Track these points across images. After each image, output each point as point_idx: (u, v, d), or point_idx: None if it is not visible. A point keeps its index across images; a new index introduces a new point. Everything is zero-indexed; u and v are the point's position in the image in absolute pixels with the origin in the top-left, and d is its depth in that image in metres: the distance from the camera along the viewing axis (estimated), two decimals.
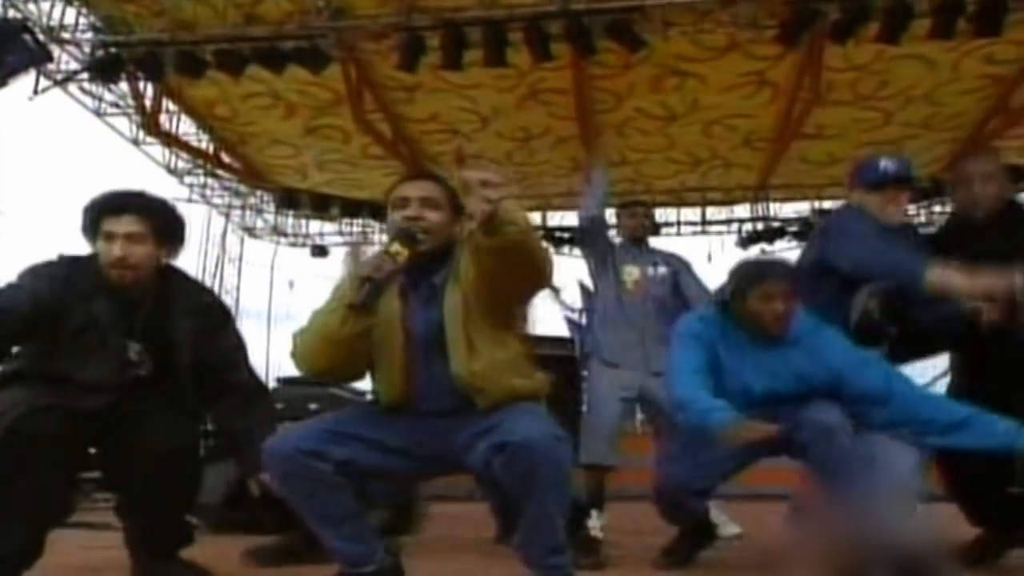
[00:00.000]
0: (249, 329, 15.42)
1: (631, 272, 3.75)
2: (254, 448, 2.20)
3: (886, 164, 2.74)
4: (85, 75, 6.98)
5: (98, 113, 7.72)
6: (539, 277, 1.99)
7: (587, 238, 3.84)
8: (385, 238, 2.07)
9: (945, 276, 2.33)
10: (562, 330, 9.35)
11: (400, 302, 2.07)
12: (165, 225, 2.46)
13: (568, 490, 1.90)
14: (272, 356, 12.70)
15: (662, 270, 3.79)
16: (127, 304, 2.40)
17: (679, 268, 3.85)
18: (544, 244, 1.96)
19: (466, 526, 3.81)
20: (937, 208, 9.89)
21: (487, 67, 6.39)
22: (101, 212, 2.39)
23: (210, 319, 2.53)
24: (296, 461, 1.96)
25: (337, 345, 1.99)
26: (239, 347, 2.62)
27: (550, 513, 1.88)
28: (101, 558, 2.57)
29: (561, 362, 6.65)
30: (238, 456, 2.44)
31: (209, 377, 2.48)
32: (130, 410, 2.33)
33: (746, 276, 2.59)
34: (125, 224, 2.36)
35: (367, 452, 2.03)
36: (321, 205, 9.88)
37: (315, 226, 11.06)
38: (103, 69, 6.70)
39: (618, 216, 4.10)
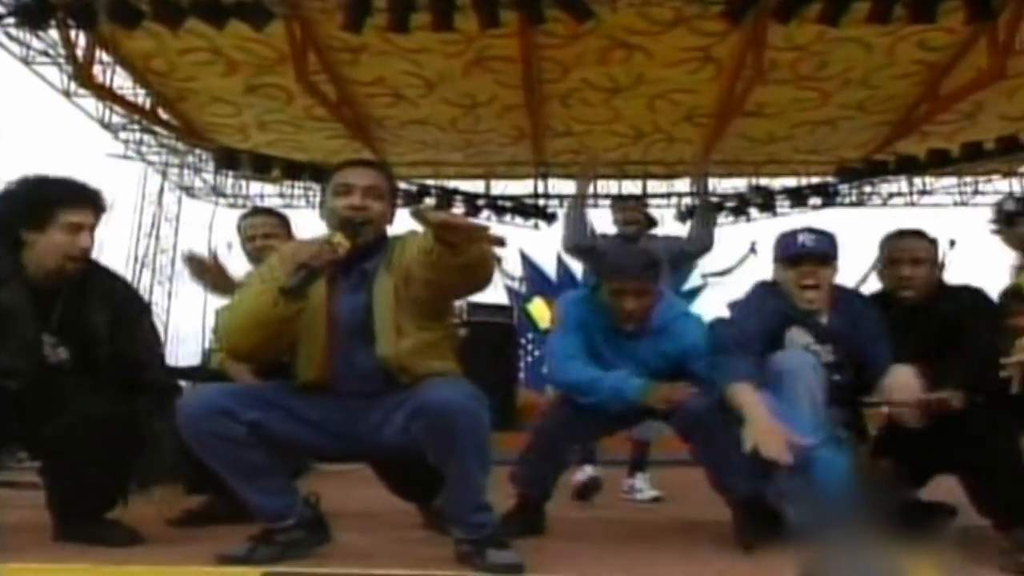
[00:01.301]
0: (186, 291, 15.10)
1: None
2: (159, 455, 2.20)
3: (804, 238, 2.52)
4: (11, 20, 6.68)
5: (26, 61, 7.39)
6: (484, 284, 2.07)
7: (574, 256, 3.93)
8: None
9: (741, 399, 2.24)
10: (501, 298, 9.44)
11: (326, 287, 2.09)
12: (104, 212, 2.42)
13: (488, 449, 1.95)
14: (208, 319, 12.47)
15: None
16: (43, 293, 2.34)
17: (672, 252, 3.81)
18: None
19: None
20: (867, 189, 10.21)
21: (434, 31, 6.33)
22: (61, 203, 2.31)
23: (126, 311, 2.46)
24: (209, 420, 1.97)
25: (266, 327, 2.00)
26: (155, 343, 2.58)
27: (472, 470, 1.93)
28: (25, 517, 2.53)
29: (499, 329, 6.93)
30: (143, 460, 2.37)
31: (124, 372, 2.42)
32: (51, 395, 2.29)
33: (602, 268, 2.64)
34: (90, 216, 2.33)
35: (281, 419, 2.05)
36: (262, 166, 9.66)
37: (255, 187, 10.85)
38: (31, 14, 6.41)
39: (611, 210, 4.13)
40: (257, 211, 3.75)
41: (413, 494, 2.59)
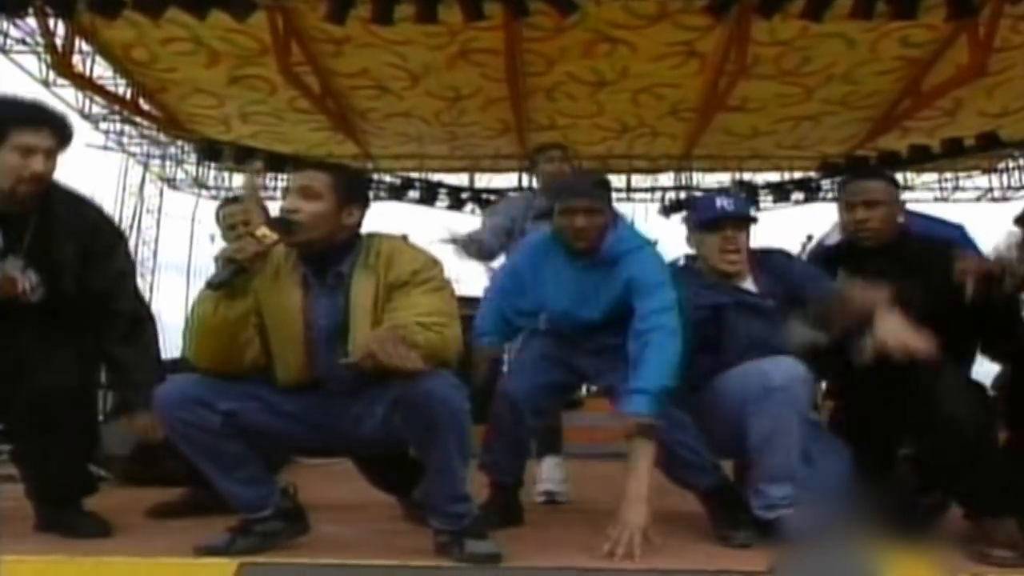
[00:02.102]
0: (168, 283, 15.00)
1: None
2: (134, 384, 2.17)
3: (723, 202, 2.51)
4: None
5: (3, 50, 7.30)
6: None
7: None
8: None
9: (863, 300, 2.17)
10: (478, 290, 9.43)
11: (300, 292, 2.08)
12: (67, 138, 2.35)
13: (469, 440, 1.96)
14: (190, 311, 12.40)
15: None
16: (11, 219, 2.29)
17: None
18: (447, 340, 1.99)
19: None
20: None
21: (418, 23, 6.30)
22: (13, 123, 2.25)
23: (97, 241, 2.38)
24: (183, 408, 1.96)
25: (213, 333, 1.99)
26: (125, 273, 2.50)
27: (452, 460, 1.94)
28: (8, 508, 2.51)
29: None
30: (118, 391, 2.34)
31: (92, 304, 2.36)
32: (18, 344, 2.24)
33: (554, 191, 2.65)
34: (46, 139, 2.26)
35: (257, 411, 2.05)
36: (244, 158, 9.61)
37: (238, 179, 10.77)
38: (8, 2, 6.34)
39: (534, 163, 3.81)
40: (236, 199, 3.72)
41: (392, 486, 2.59)
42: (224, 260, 1.94)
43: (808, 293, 2.37)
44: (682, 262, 2.68)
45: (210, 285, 1.94)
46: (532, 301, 2.65)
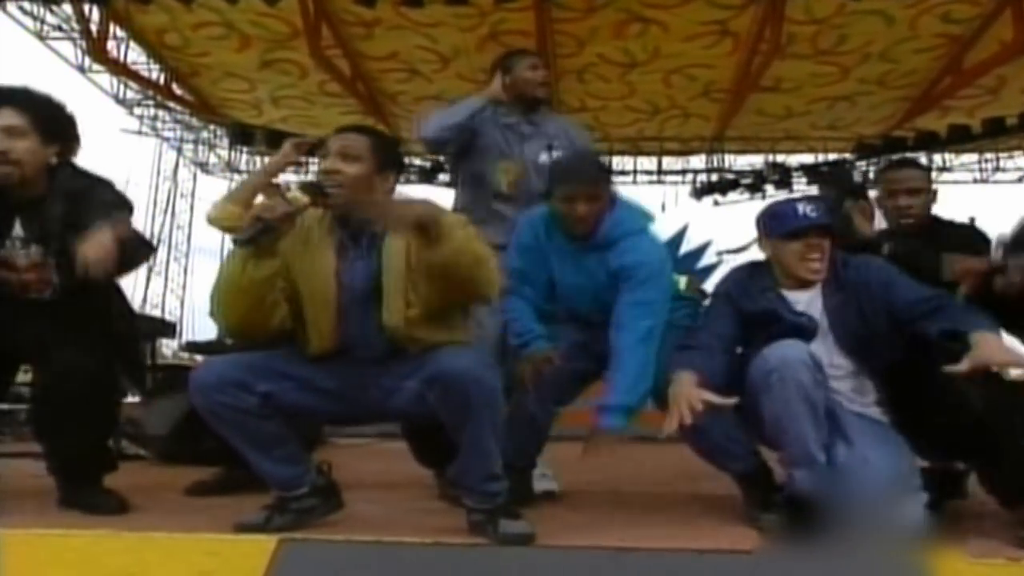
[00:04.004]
0: (201, 266, 15.22)
1: (507, 169, 3.05)
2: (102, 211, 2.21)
3: (805, 209, 2.37)
4: None
5: (40, 36, 7.41)
6: (479, 295, 2.03)
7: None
8: None
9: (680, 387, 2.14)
10: None
11: (334, 255, 2.08)
12: (49, 119, 2.36)
13: (500, 417, 1.96)
14: None
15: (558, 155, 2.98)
16: (17, 205, 2.32)
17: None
18: (485, 257, 1.97)
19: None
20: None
21: (448, 5, 6.29)
22: None
23: (82, 202, 2.33)
24: (222, 391, 1.98)
25: (241, 292, 1.99)
26: (113, 205, 2.38)
27: (485, 439, 1.94)
28: (46, 484, 2.57)
29: None
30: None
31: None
32: (38, 325, 2.28)
33: (553, 175, 2.57)
34: (4, 118, 2.28)
35: (292, 389, 2.06)
36: (276, 142, 9.65)
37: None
38: None
39: (508, 68, 3.16)
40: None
41: (434, 459, 2.59)
42: (252, 218, 1.95)
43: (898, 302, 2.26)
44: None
45: (236, 242, 1.96)
46: (546, 273, 2.61)
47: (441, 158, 10.01)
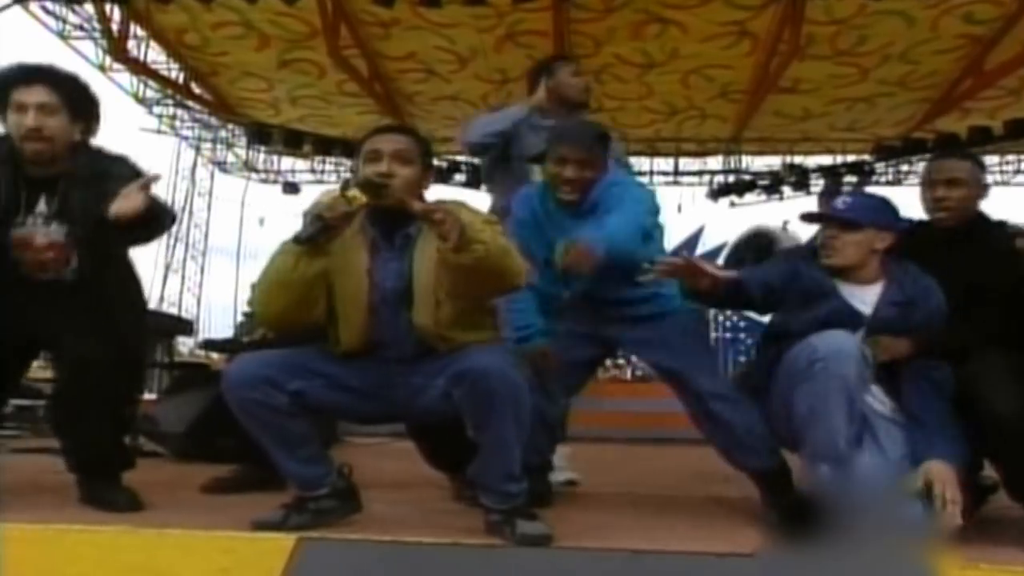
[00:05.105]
0: (218, 265, 15.32)
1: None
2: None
3: (840, 201, 2.36)
4: None
5: (62, 36, 7.48)
6: (505, 287, 2.05)
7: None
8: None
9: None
10: None
11: (368, 255, 2.08)
12: (78, 97, 2.37)
13: (526, 419, 1.95)
14: (239, 293, 12.67)
15: None
16: (45, 182, 2.33)
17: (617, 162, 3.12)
18: (510, 248, 2.00)
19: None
20: (905, 168, 10.02)
21: (466, 5, 6.31)
22: (10, 83, 2.30)
23: (105, 180, 2.30)
24: (253, 388, 1.98)
25: (289, 288, 2.00)
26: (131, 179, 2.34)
27: (508, 438, 1.93)
28: (65, 480, 2.59)
29: None
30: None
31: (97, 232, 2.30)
32: (57, 315, 2.29)
33: (549, 138, 2.54)
34: (37, 94, 2.29)
35: (322, 388, 2.06)
36: (293, 141, 9.73)
37: (287, 163, 10.92)
38: None
39: (551, 72, 3.21)
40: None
41: (446, 462, 2.60)
42: (313, 217, 1.95)
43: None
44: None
45: (297, 240, 1.96)
46: (546, 250, 2.56)
47: (465, 159, 10.08)
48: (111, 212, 2.15)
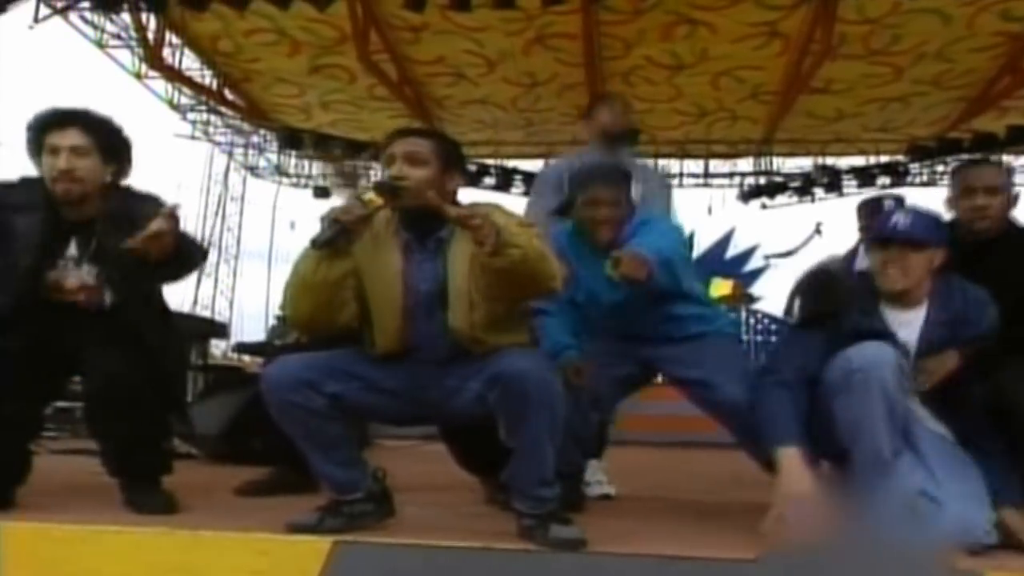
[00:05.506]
0: (250, 269, 15.51)
1: None
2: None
3: (898, 218, 2.22)
4: (86, 4, 6.89)
5: (100, 44, 7.62)
6: (542, 291, 2.06)
7: None
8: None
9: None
10: None
11: (401, 257, 2.10)
12: (110, 140, 2.43)
13: (560, 423, 1.95)
14: (271, 296, 12.80)
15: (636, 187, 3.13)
16: (78, 224, 2.38)
17: (656, 188, 3.30)
18: (547, 253, 2.00)
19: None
20: (940, 168, 9.85)
21: (495, 9, 6.31)
22: (45, 127, 2.36)
23: (136, 224, 2.27)
24: (292, 389, 2.00)
25: (313, 291, 2.02)
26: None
27: (542, 442, 1.93)
28: (103, 481, 2.63)
29: None
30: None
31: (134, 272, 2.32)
32: (85, 333, 2.32)
33: (574, 181, 2.55)
34: (70, 137, 2.34)
35: (360, 390, 2.08)
36: (324, 146, 9.82)
37: (318, 167, 11.01)
38: None
39: (589, 115, 3.44)
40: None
41: (478, 465, 2.60)
42: (329, 220, 1.98)
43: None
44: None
45: (314, 244, 1.98)
46: (584, 294, 2.58)
47: (494, 162, 10.10)
48: (126, 242, 2.18)
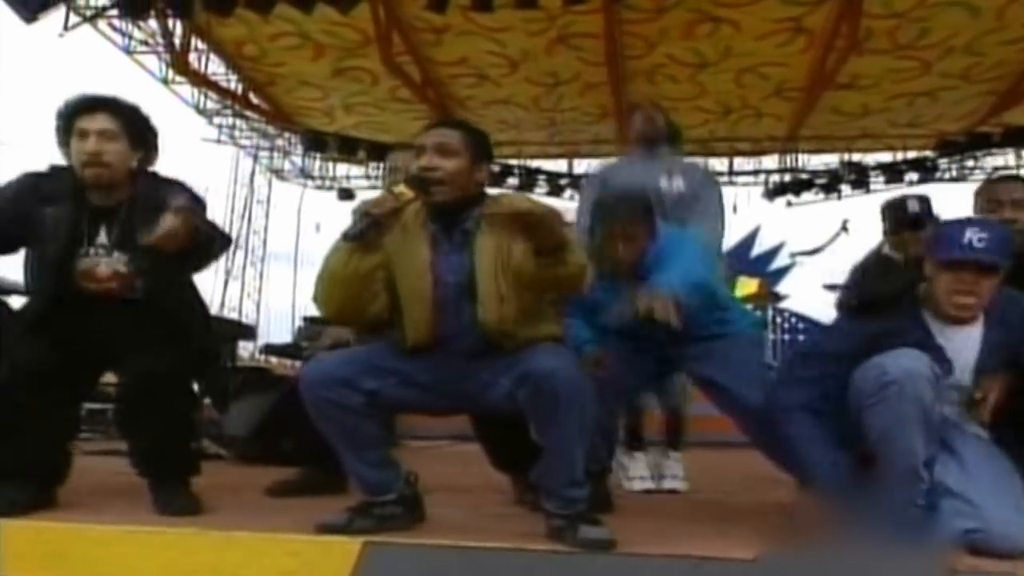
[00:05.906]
0: (276, 271, 15.62)
1: None
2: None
3: (972, 235, 1.98)
4: (114, 11, 6.99)
5: (127, 51, 7.73)
6: (573, 289, 2.09)
7: None
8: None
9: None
10: None
11: (429, 249, 2.10)
12: (137, 126, 2.45)
13: (590, 423, 1.94)
14: (298, 298, 12.89)
15: (679, 183, 3.27)
16: (104, 212, 2.40)
17: (701, 184, 3.36)
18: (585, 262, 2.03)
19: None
20: (970, 163, 9.71)
21: (517, 9, 6.31)
22: (74, 113, 2.39)
23: (162, 210, 2.28)
24: (329, 388, 2.01)
25: (343, 283, 2.03)
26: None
27: (571, 442, 1.93)
28: (134, 482, 2.66)
29: None
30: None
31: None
32: (114, 333, 2.35)
33: (595, 215, 2.54)
34: (98, 122, 2.37)
35: (396, 386, 2.09)
36: (348, 148, 9.88)
37: (342, 169, 11.08)
38: (132, 5, 6.71)
39: (630, 123, 3.64)
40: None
41: (510, 462, 2.59)
42: (360, 213, 1.99)
43: None
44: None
45: (345, 236, 1.99)
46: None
47: (517, 163, 10.11)
48: (144, 240, 2.22)
